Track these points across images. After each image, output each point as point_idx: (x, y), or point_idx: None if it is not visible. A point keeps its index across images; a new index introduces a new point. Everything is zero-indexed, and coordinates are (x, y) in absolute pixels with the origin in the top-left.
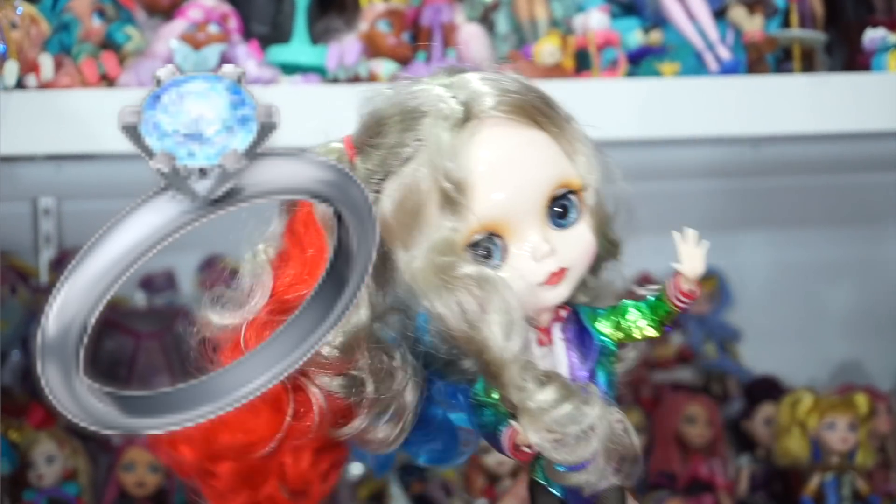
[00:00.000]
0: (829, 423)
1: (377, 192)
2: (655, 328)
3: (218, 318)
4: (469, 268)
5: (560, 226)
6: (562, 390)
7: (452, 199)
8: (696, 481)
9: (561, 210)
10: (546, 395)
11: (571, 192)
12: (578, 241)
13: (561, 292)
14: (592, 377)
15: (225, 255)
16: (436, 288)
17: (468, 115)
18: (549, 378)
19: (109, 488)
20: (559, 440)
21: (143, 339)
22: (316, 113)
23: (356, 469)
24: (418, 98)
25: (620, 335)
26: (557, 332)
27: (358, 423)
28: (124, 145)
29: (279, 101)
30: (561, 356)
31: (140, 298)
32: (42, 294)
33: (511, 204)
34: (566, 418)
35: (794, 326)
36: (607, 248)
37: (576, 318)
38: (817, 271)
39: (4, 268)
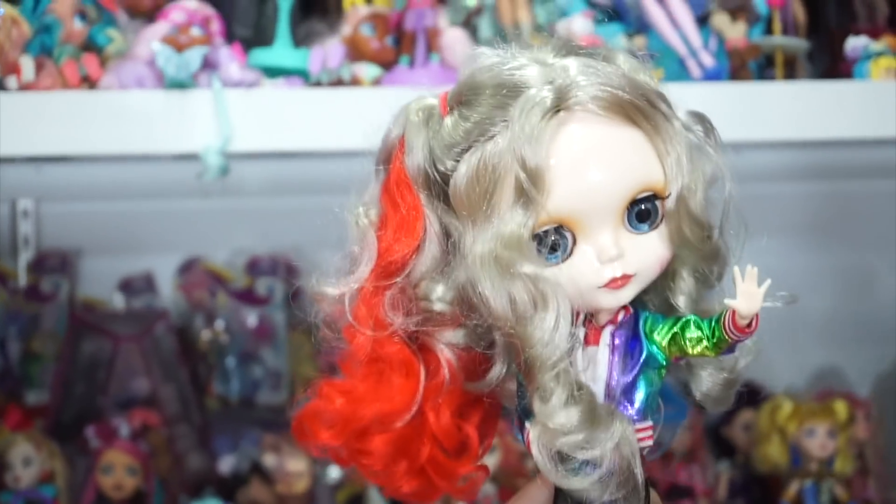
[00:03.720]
0: (808, 429)
1: (457, 161)
2: (712, 350)
3: (332, 289)
4: (529, 267)
5: (637, 229)
6: (584, 416)
7: (525, 192)
8: (676, 487)
9: (641, 213)
10: (566, 417)
11: (656, 196)
12: (651, 248)
13: (621, 297)
14: (632, 387)
15: (203, 257)
16: (491, 275)
17: (559, 105)
18: (579, 394)
19: (87, 491)
20: (561, 462)
21: (122, 341)
22: (299, 116)
23: (334, 472)
24: (515, 75)
25: (675, 350)
26: (606, 336)
27: (496, 373)
28: (104, 147)
29: (262, 103)
30: (603, 361)
31: (118, 300)
32: (20, 296)
33: (587, 202)
34: (574, 446)
35: (773, 332)
36: (705, 256)
37: (633, 323)
38: (796, 278)
39: None
